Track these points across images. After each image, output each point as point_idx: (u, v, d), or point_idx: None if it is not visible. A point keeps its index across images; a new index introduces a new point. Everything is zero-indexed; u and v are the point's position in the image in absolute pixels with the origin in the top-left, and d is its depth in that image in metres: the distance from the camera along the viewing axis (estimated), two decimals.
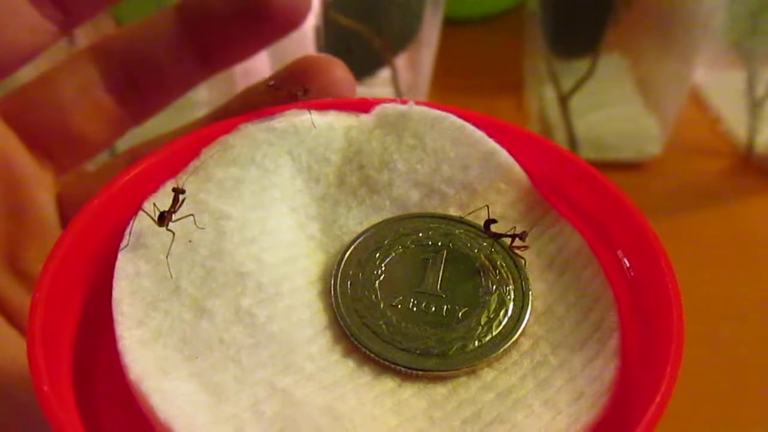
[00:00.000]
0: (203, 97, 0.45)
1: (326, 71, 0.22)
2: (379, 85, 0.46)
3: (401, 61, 0.45)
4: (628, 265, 0.17)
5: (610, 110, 0.47)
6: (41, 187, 0.23)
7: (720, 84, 0.48)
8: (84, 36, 0.37)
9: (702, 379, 0.33)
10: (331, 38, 0.42)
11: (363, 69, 0.44)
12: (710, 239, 0.42)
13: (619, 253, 0.18)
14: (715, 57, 0.47)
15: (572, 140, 0.45)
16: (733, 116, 0.46)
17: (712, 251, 0.41)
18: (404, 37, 0.44)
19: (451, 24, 0.46)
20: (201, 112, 0.34)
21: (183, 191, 0.17)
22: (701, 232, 0.42)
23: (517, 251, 0.18)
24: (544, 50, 0.45)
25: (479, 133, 0.19)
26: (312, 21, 0.43)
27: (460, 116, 0.20)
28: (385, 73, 0.45)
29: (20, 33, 0.23)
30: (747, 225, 0.42)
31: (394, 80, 0.44)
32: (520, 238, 0.18)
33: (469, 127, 0.19)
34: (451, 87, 0.48)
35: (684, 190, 0.45)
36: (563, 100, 0.45)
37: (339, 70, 0.22)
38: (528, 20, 0.47)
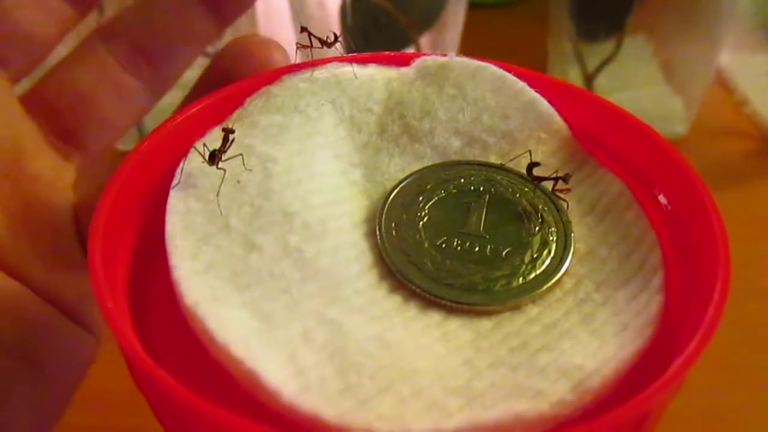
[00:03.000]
0: None
1: (262, 53, 0.21)
2: None
3: (426, 42, 0.46)
4: (668, 205, 0.18)
5: (635, 91, 0.47)
6: (56, 187, 0.23)
7: (745, 66, 0.48)
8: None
9: (729, 357, 0.33)
10: (357, 15, 0.42)
11: (388, 46, 0.44)
12: (735, 220, 0.41)
13: (659, 195, 0.18)
14: (740, 39, 0.47)
15: None
16: (759, 98, 0.46)
17: (736, 232, 0.40)
18: (430, 15, 0.44)
19: (475, 7, 0.46)
20: None
21: (233, 131, 0.18)
22: (726, 212, 0.41)
23: (559, 194, 0.18)
24: (569, 31, 0.46)
25: (520, 83, 0.20)
26: None
27: (500, 67, 0.20)
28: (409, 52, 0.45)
29: (41, 19, 0.23)
30: None
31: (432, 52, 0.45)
32: (564, 181, 0.18)
33: (510, 77, 0.20)
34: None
35: (709, 171, 0.43)
36: (588, 81, 0.45)
37: (276, 53, 0.22)
38: (553, 1, 0.47)
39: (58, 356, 0.22)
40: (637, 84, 0.47)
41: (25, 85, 0.24)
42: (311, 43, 0.21)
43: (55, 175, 0.23)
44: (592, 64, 0.45)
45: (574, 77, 0.46)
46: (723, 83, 0.48)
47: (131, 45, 0.23)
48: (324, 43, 0.21)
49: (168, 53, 0.24)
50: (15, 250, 0.21)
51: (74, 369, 0.23)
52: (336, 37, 0.21)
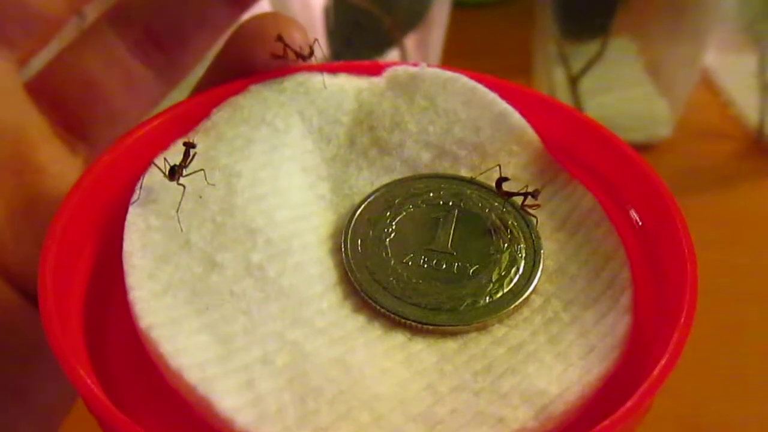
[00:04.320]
0: None
1: (281, 33, 0.20)
2: None
3: (410, 42, 0.45)
4: (639, 221, 0.17)
5: (620, 92, 0.46)
6: (63, 181, 0.21)
7: (731, 67, 0.48)
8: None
9: (713, 361, 0.33)
10: (341, 17, 0.42)
11: (372, 48, 0.44)
12: (720, 221, 0.41)
13: (630, 210, 0.18)
14: (726, 40, 0.47)
15: None
16: (744, 99, 0.46)
17: (721, 233, 0.41)
18: (413, 16, 0.43)
19: (460, 7, 0.46)
20: None
21: (194, 145, 0.17)
22: (711, 214, 0.42)
23: (528, 210, 0.18)
24: (554, 32, 0.45)
25: (491, 95, 0.19)
26: (321, 0, 0.43)
27: (472, 78, 0.20)
28: (393, 55, 0.45)
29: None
30: (757, 207, 0.42)
31: (403, 61, 0.44)
32: (533, 196, 0.18)
33: (481, 89, 0.19)
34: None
35: (694, 173, 0.44)
36: (573, 82, 0.45)
37: (296, 33, 0.20)
38: (538, 2, 0.46)
39: (47, 381, 0.20)
40: (622, 85, 0.47)
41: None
42: (286, 53, 0.20)
43: (61, 168, 0.21)
44: (577, 66, 0.44)
45: (559, 78, 0.46)
46: (708, 84, 0.48)
47: (142, 30, 0.22)
48: (299, 55, 0.20)
49: (180, 39, 0.22)
50: (16, 249, 0.20)
51: (65, 396, 0.21)
52: (311, 51, 0.20)
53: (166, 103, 0.23)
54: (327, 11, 0.43)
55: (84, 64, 0.22)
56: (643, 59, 0.47)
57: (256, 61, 0.20)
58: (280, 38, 0.20)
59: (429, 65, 0.20)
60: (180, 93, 0.22)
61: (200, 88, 0.21)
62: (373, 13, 0.42)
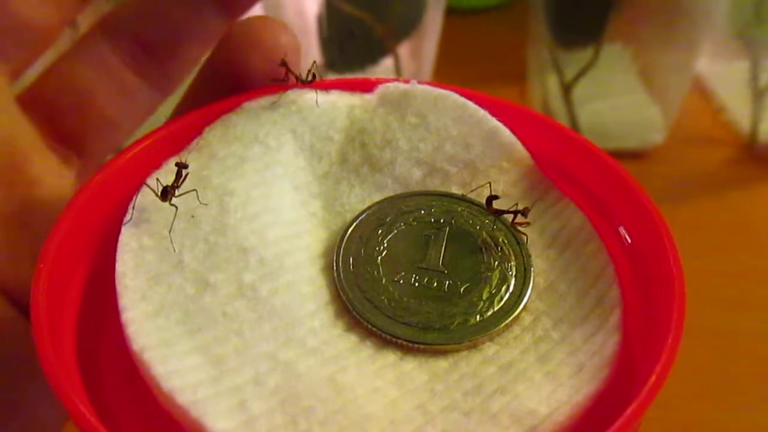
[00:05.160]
0: None
1: (270, 37, 0.20)
2: (381, 73, 0.46)
3: (404, 49, 0.45)
4: (629, 239, 0.17)
5: (613, 99, 0.47)
6: (56, 194, 0.21)
7: (723, 73, 0.48)
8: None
9: (703, 369, 0.33)
10: (334, 25, 0.42)
11: (366, 57, 0.44)
12: (713, 228, 0.42)
13: (620, 228, 0.18)
14: (718, 47, 0.47)
15: (575, 129, 0.45)
16: (737, 106, 0.46)
17: (714, 240, 0.41)
18: (407, 24, 0.44)
19: (454, 13, 0.46)
20: None
21: (186, 166, 0.17)
22: (704, 220, 0.42)
23: (519, 228, 0.18)
24: (547, 39, 0.45)
25: (482, 112, 0.19)
26: (315, 8, 0.43)
27: (462, 95, 0.20)
28: (387, 62, 0.45)
29: (42, 6, 0.21)
30: (749, 214, 0.42)
31: (397, 69, 0.44)
32: (523, 215, 0.18)
33: (472, 106, 0.20)
34: (453, 76, 0.48)
35: (687, 179, 0.45)
36: (566, 89, 0.45)
37: (284, 37, 0.20)
38: (531, 10, 0.46)
39: (41, 395, 0.20)
40: (616, 92, 0.47)
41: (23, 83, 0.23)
42: (287, 77, 0.20)
43: (55, 180, 0.21)
44: (570, 72, 0.45)
45: (553, 85, 0.46)
46: (701, 91, 0.48)
47: (134, 40, 0.22)
48: (299, 79, 0.20)
49: (173, 49, 0.22)
50: (9, 261, 0.20)
51: (61, 410, 0.21)
52: (314, 76, 0.20)
53: (160, 112, 0.23)
54: (321, 19, 0.43)
55: (76, 75, 0.22)
56: (636, 66, 0.47)
57: (246, 65, 0.20)
58: (283, 63, 0.20)
59: (420, 82, 0.20)
60: (173, 102, 0.23)
61: (190, 93, 0.21)
62: (366, 21, 0.42)
